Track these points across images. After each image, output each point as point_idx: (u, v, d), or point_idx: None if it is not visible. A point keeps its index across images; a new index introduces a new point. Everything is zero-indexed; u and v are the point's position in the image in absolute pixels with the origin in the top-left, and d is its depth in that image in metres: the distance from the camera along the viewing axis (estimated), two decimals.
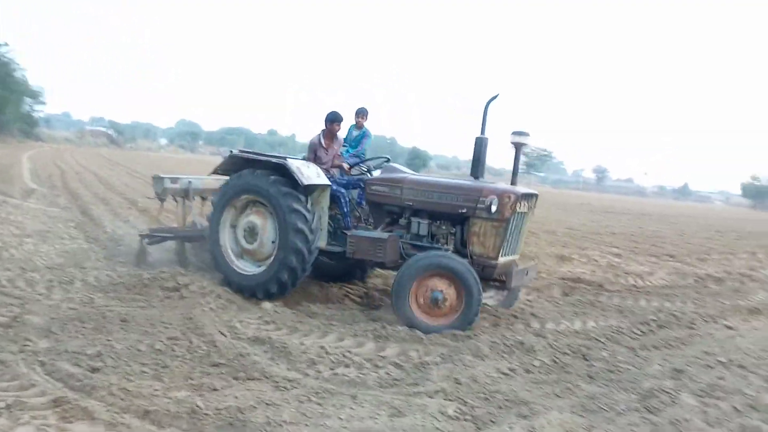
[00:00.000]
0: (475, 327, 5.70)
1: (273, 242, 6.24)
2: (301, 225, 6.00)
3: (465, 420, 3.68)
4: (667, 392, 4.04)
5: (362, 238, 6.14)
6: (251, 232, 6.37)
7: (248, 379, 4.13)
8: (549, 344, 5.24)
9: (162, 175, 7.42)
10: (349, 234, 6.25)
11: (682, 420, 3.61)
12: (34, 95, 53.38)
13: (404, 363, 4.73)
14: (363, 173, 7.05)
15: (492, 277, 6.00)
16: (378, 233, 6.28)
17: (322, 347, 4.88)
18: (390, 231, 6.37)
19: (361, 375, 4.41)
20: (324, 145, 6.79)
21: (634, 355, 5.17)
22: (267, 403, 3.67)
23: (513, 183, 6.17)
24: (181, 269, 6.64)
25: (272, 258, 6.19)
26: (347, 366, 4.59)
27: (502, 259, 5.94)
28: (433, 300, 5.62)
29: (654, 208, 38.29)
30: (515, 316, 6.43)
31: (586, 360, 4.98)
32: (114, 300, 5.69)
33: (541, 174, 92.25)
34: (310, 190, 6.24)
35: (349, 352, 4.89)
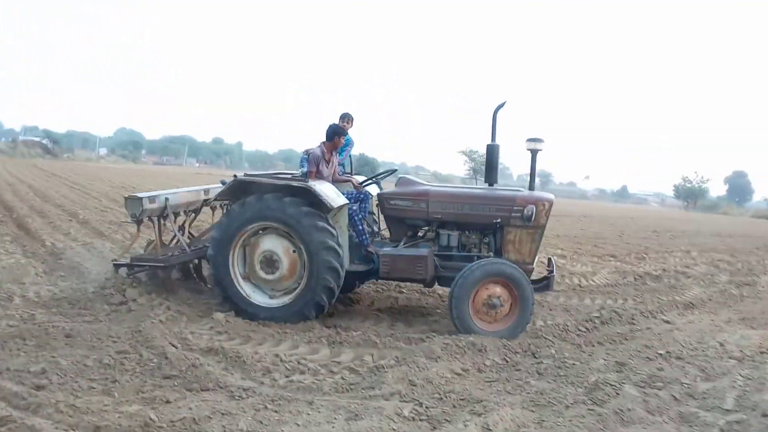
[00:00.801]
0: (429, 330, 5.80)
1: (291, 269, 5.92)
2: (331, 242, 5.74)
3: (421, 420, 3.75)
4: (611, 384, 4.23)
5: (398, 256, 5.96)
6: (269, 262, 5.95)
7: (202, 389, 4.08)
8: (500, 344, 5.39)
9: (139, 195, 6.37)
10: (381, 253, 6.01)
11: (626, 410, 3.80)
12: None
13: (359, 367, 4.77)
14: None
15: None
16: (415, 250, 6.10)
17: (276, 355, 4.86)
18: (414, 245, 6.30)
19: (316, 381, 4.42)
20: (326, 158, 6.51)
21: (580, 351, 5.38)
22: (222, 413, 3.64)
23: (531, 188, 6.35)
24: (130, 281, 6.45)
25: (303, 282, 5.86)
26: (302, 373, 4.60)
27: (534, 264, 6.15)
28: (491, 306, 5.68)
29: (595, 210, 39.72)
30: None
31: (535, 357, 5.16)
32: (57, 315, 5.50)
33: None
34: (328, 209, 5.88)
35: (304, 359, 4.89)
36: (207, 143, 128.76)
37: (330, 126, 6.59)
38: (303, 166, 7.06)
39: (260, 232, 5.93)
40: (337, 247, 5.78)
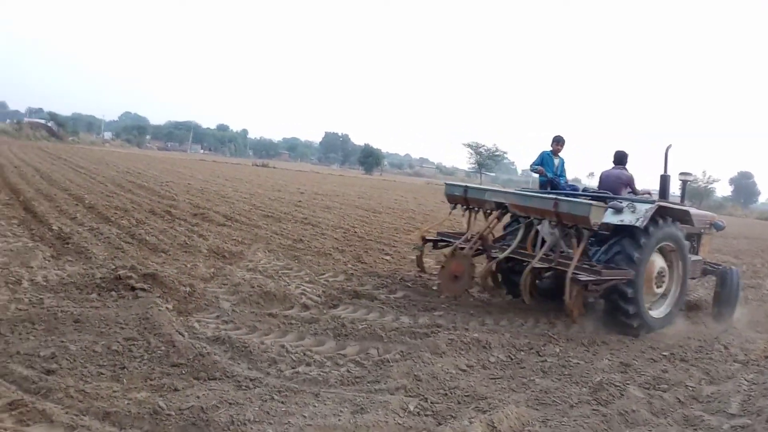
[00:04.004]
0: (434, 325, 5.83)
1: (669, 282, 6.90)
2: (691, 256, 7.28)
3: (426, 415, 3.78)
4: (616, 385, 4.26)
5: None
6: (659, 277, 6.71)
7: (209, 378, 4.11)
8: (504, 341, 5.41)
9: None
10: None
11: (630, 411, 3.82)
12: None
13: (364, 361, 4.79)
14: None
15: None
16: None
17: (282, 346, 4.89)
18: None
19: (322, 373, 4.44)
20: None
21: (585, 351, 5.40)
22: (230, 403, 3.67)
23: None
24: (139, 266, 6.49)
25: (675, 293, 6.93)
26: (308, 364, 4.62)
27: None
28: None
29: None
30: (471, 314, 6.59)
31: (540, 355, 5.18)
32: (65, 300, 5.51)
33: (492, 174, 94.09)
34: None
35: (309, 350, 4.91)
36: (212, 129, 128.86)
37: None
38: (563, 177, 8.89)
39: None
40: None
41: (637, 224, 6.19)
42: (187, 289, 6.19)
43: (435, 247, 8.14)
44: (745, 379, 4.48)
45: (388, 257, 9.93)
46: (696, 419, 3.79)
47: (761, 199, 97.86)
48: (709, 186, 73.97)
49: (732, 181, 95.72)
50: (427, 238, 8.00)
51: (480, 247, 7.36)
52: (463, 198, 7.68)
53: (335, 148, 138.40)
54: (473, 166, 78.32)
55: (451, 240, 7.79)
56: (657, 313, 6.65)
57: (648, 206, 6.43)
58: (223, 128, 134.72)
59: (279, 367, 4.47)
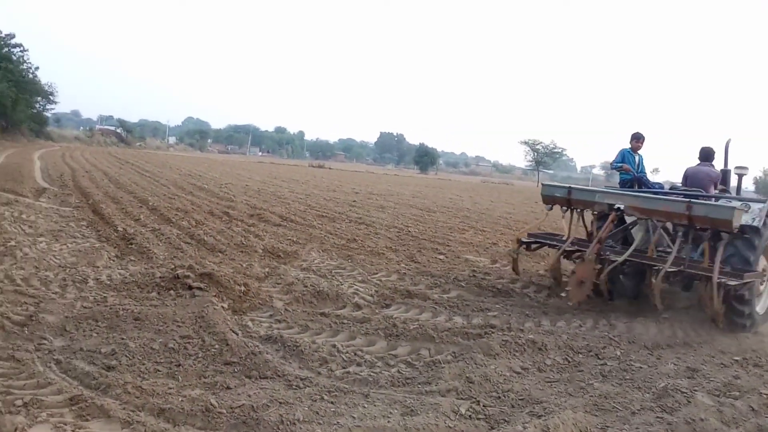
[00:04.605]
0: (487, 325, 5.70)
1: None
2: None
3: (478, 419, 3.67)
4: (682, 391, 4.01)
5: None
6: (763, 274, 6.59)
7: (261, 377, 4.15)
8: (561, 343, 5.22)
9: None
10: None
11: (698, 419, 3.59)
12: (46, 94, 53.81)
13: (415, 361, 4.73)
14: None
15: None
16: None
17: (333, 346, 4.89)
18: None
19: (372, 373, 4.41)
20: None
21: (648, 354, 5.15)
22: (280, 402, 3.68)
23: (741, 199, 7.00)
24: (197, 265, 6.67)
25: None
26: (359, 365, 4.60)
27: None
28: None
29: None
30: (526, 314, 6.41)
31: (599, 358, 4.97)
32: (127, 299, 5.72)
33: (550, 171, 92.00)
34: None
35: (360, 350, 4.90)
36: (270, 132, 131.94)
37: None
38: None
39: None
40: None
41: (755, 224, 6.06)
42: (242, 288, 6.30)
43: (528, 249, 8.01)
44: None
45: (441, 256, 9.81)
46: None
47: None
48: None
49: None
50: (523, 240, 7.85)
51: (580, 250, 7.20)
52: (565, 199, 7.41)
53: (390, 148, 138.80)
54: (530, 163, 76.85)
55: (547, 242, 7.72)
56: (760, 309, 6.48)
57: (762, 205, 6.33)
58: (280, 131, 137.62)
59: (330, 367, 4.47)
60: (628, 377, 4.47)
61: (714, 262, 5.87)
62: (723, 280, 5.72)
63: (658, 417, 3.66)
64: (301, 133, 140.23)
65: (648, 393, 4.09)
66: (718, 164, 8.11)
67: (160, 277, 6.34)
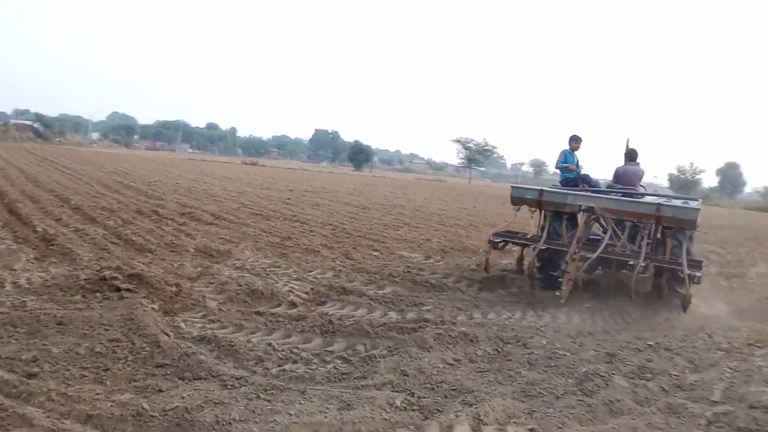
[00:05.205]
0: (421, 320, 5.84)
1: None
2: None
3: (413, 410, 3.77)
4: (601, 375, 4.28)
5: None
6: None
7: (195, 378, 4.09)
8: (492, 334, 5.42)
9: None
10: None
11: (615, 401, 3.84)
12: None
13: (351, 357, 4.79)
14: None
15: None
16: None
17: (269, 344, 4.87)
18: None
19: (309, 370, 4.44)
20: None
21: (571, 342, 5.43)
22: (215, 402, 3.65)
23: None
24: (125, 266, 6.45)
25: None
26: (295, 362, 4.61)
27: None
28: None
29: None
30: (459, 308, 6.60)
31: (527, 348, 5.19)
32: (49, 302, 5.46)
33: (482, 168, 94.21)
34: None
35: (296, 348, 4.91)
36: (201, 128, 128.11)
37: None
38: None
39: None
40: None
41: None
42: (173, 288, 6.16)
43: (495, 248, 8.33)
44: (728, 367, 4.52)
45: (376, 253, 9.92)
46: (679, 407, 3.82)
47: (747, 189, 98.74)
48: (696, 177, 74.69)
49: (719, 172, 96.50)
50: (494, 240, 8.19)
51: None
52: (536, 201, 7.84)
53: (325, 145, 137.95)
54: (463, 161, 78.50)
55: (518, 241, 8.15)
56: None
57: (697, 203, 7.23)
58: (212, 127, 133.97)
59: (265, 366, 4.46)
60: (552, 364, 4.71)
61: (681, 256, 6.70)
62: (690, 271, 6.48)
63: (579, 400, 3.89)
64: (234, 130, 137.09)
65: (571, 378, 4.33)
66: (621, 162, 8.90)
67: (84, 279, 6.10)
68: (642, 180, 8.88)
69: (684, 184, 74.37)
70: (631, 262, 7.00)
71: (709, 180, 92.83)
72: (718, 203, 62.51)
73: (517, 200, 8.06)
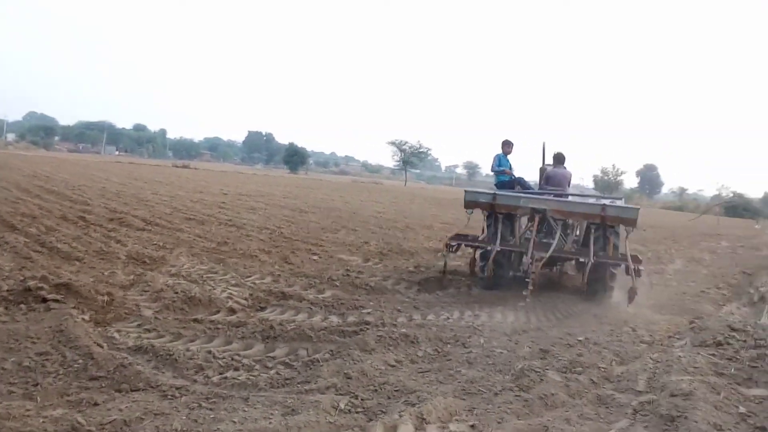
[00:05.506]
0: (363, 322, 5.90)
1: None
2: None
3: (357, 413, 3.82)
4: (536, 371, 4.47)
5: None
6: None
7: (132, 390, 3.97)
8: (432, 335, 5.55)
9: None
10: None
11: (549, 395, 4.03)
12: None
13: (294, 362, 4.79)
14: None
15: None
16: None
17: (209, 352, 4.80)
18: None
19: (251, 377, 4.40)
20: None
21: (507, 340, 5.63)
22: (155, 413, 3.56)
23: None
24: (51, 276, 6.15)
25: None
26: (236, 369, 4.56)
27: None
28: None
29: None
30: (399, 310, 6.70)
31: (465, 347, 5.35)
32: None
33: (417, 170, 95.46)
34: None
35: (237, 354, 4.85)
36: (128, 130, 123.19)
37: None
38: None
39: None
40: None
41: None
42: (105, 298, 5.95)
43: (450, 250, 8.62)
44: (651, 358, 4.82)
45: (315, 257, 9.91)
46: (608, 398, 4.05)
47: (664, 189, 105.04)
48: (618, 178, 78.75)
49: (638, 173, 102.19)
50: (450, 244, 8.50)
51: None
52: (489, 204, 8.17)
53: (259, 147, 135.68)
54: (398, 163, 79.27)
55: (473, 244, 8.40)
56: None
57: (622, 200, 8.17)
58: (140, 128, 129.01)
59: (206, 374, 4.39)
60: (490, 362, 4.88)
61: (625, 251, 7.55)
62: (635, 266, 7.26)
63: (516, 395, 4.06)
64: (163, 132, 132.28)
65: (508, 375, 4.50)
66: (539, 162, 9.77)
67: (7, 291, 5.78)
68: (570, 182, 9.44)
69: (608, 185, 78.10)
70: (581, 260, 7.56)
71: (630, 181, 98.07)
72: (639, 203, 66.00)
73: (471, 204, 8.37)
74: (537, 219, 7.90)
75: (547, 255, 7.54)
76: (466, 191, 8.73)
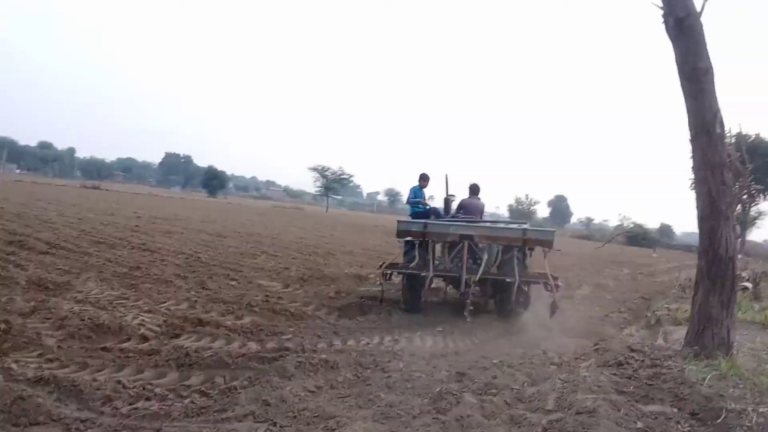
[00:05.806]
0: (282, 348, 5.82)
1: None
2: None
3: None
4: (453, 393, 4.59)
5: None
6: None
7: (31, 424, 3.71)
8: (351, 360, 5.56)
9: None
10: None
11: (466, 416, 4.15)
12: None
13: (210, 390, 4.65)
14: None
15: None
16: None
17: (118, 381, 4.56)
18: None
19: (164, 407, 4.23)
20: None
21: (425, 364, 5.74)
22: None
23: None
24: None
25: None
26: (148, 399, 4.37)
27: None
28: None
29: None
30: (319, 336, 6.67)
31: (385, 372, 5.40)
32: None
33: (339, 197, 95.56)
34: None
35: (150, 384, 4.65)
36: (32, 147, 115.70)
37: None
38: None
39: None
40: None
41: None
42: (2, 326, 5.53)
43: (387, 279, 9.03)
44: (559, 379, 5.06)
45: (234, 282, 9.68)
46: (520, 418, 4.22)
47: (573, 219, 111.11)
48: (532, 207, 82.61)
49: (550, 203, 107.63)
50: (386, 272, 8.85)
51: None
52: (421, 233, 8.57)
53: (176, 169, 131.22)
54: (320, 189, 79.08)
55: (407, 272, 8.73)
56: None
57: (526, 225, 9.17)
58: (45, 146, 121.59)
59: (114, 405, 4.18)
60: (409, 386, 4.95)
61: (546, 270, 8.32)
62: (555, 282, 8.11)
63: (434, 418, 4.14)
64: (72, 150, 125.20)
65: (426, 398, 4.59)
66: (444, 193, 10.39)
67: None
68: (483, 211, 10.12)
69: (522, 213, 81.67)
70: (508, 280, 8.17)
71: (543, 210, 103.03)
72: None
73: (403, 233, 8.76)
74: (466, 245, 8.33)
75: (477, 277, 8.14)
76: (398, 221, 9.08)
